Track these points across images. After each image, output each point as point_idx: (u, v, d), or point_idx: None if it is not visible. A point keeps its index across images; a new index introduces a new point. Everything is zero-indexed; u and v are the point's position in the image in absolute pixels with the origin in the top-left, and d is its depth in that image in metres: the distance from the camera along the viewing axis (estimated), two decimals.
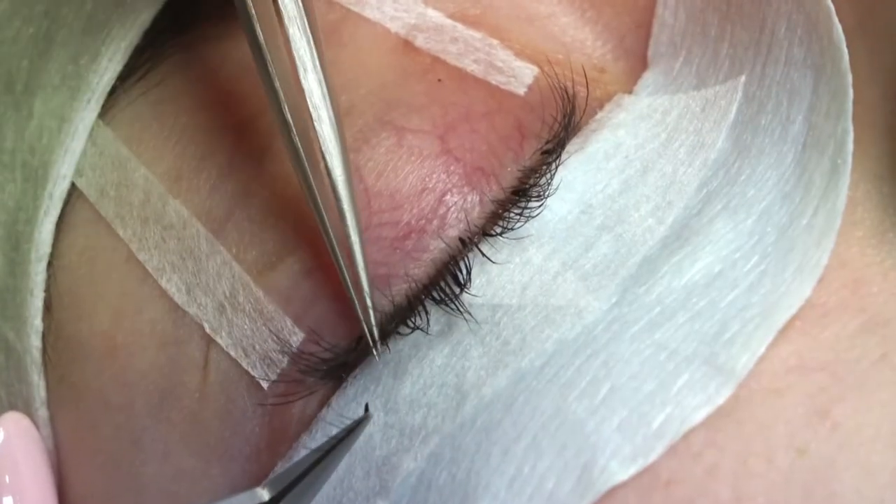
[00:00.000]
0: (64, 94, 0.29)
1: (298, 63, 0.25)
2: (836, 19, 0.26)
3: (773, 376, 0.24)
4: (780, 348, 0.24)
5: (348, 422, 0.26)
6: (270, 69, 0.25)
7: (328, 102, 0.25)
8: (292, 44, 0.25)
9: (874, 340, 0.24)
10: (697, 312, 0.25)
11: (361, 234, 0.26)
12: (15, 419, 0.30)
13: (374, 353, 0.26)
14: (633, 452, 0.23)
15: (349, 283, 0.26)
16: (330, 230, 0.26)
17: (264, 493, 0.25)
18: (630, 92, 0.30)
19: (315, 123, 0.25)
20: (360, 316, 0.26)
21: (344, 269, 0.26)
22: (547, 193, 0.27)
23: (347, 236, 0.25)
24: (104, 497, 0.30)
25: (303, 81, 0.25)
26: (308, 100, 0.25)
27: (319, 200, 0.25)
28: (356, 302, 0.26)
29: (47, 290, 0.30)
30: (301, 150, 0.25)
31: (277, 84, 0.25)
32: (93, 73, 0.29)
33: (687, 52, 0.29)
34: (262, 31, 0.25)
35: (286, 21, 0.25)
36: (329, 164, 0.25)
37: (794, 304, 0.24)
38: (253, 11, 0.25)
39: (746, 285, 0.25)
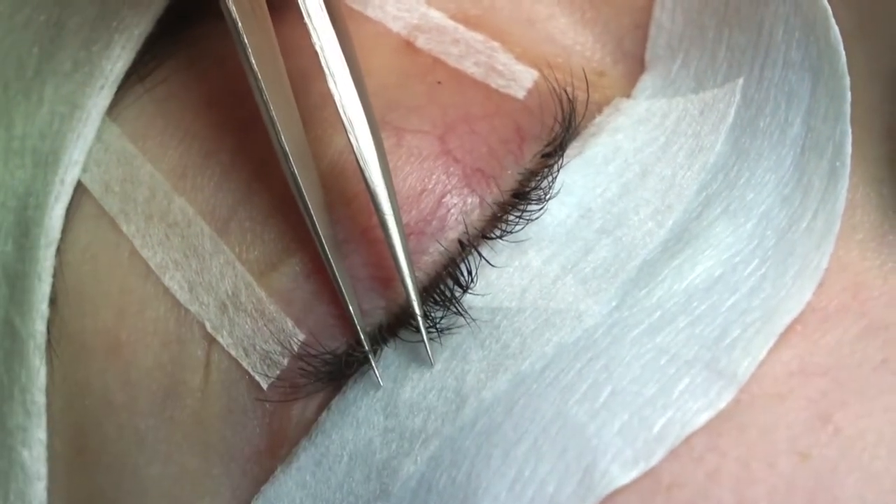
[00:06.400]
0: (76, 81, 0.29)
1: (326, 70, 0.25)
2: (833, 21, 0.26)
3: (775, 381, 0.24)
4: (782, 353, 0.24)
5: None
6: (260, 84, 0.25)
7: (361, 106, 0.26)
8: (321, 54, 0.25)
9: (875, 345, 0.24)
10: (698, 316, 0.25)
11: (406, 243, 0.26)
12: None
13: (372, 364, 0.27)
14: (634, 456, 0.23)
15: (342, 289, 0.26)
16: (321, 235, 0.26)
17: None
18: (628, 95, 0.30)
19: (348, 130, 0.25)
20: (355, 321, 0.26)
21: (337, 274, 0.26)
22: (548, 196, 0.27)
23: (392, 248, 0.26)
24: (109, 500, 0.30)
25: (332, 88, 0.25)
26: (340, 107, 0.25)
27: (310, 205, 0.25)
28: (350, 306, 0.26)
29: (54, 278, 0.29)
30: (290, 156, 0.25)
31: (264, 87, 0.25)
32: (106, 59, 0.29)
33: (684, 54, 0.29)
34: (246, 35, 0.25)
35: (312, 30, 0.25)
36: (365, 171, 0.25)
37: (795, 309, 0.24)
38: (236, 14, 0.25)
39: (747, 289, 0.25)
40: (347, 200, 0.27)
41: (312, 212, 0.26)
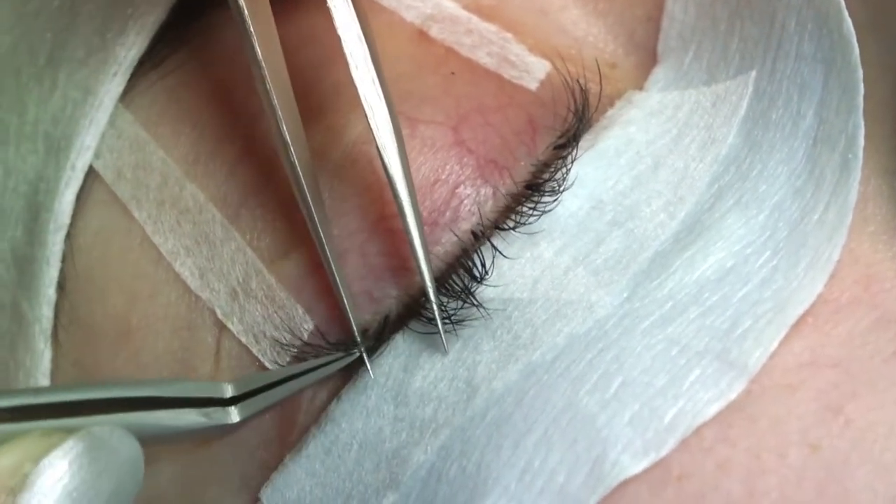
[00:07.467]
0: (89, 67, 0.29)
1: (350, 60, 0.25)
2: (846, 14, 0.26)
3: (786, 372, 0.24)
4: (793, 344, 0.24)
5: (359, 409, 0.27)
6: (263, 71, 0.25)
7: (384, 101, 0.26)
8: (344, 44, 0.25)
9: (887, 337, 0.24)
10: (709, 307, 0.25)
11: (424, 237, 0.26)
12: None
13: (366, 363, 0.27)
14: (644, 446, 0.23)
15: (338, 282, 0.26)
16: (319, 228, 0.26)
17: (228, 389, 0.26)
18: (640, 87, 0.30)
19: (371, 123, 0.25)
20: (348, 315, 0.26)
21: (334, 268, 0.26)
22: (562, 188, 0.27)
23: (409, 234, 0.26)
24: None
25: (354, 75, 0.25)
26: (363, 100, 0.25)
27: (308, 196, 0.25)
28: (344, 298, 0.26)
29: (63, 263, 0.29)
30: (290, 147, 0.25)
31: (267, 76, 0.25)
32: (120, 46, 0.29)
33: (697, 46, 0.29)
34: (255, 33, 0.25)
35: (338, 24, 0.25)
36: (386, 162, 0.25)
37: (807, 300, 0.24)
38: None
39: (758, 280, 0.25)
40: (361, 190, 0.27)
41: (311, 204, 0.26)
